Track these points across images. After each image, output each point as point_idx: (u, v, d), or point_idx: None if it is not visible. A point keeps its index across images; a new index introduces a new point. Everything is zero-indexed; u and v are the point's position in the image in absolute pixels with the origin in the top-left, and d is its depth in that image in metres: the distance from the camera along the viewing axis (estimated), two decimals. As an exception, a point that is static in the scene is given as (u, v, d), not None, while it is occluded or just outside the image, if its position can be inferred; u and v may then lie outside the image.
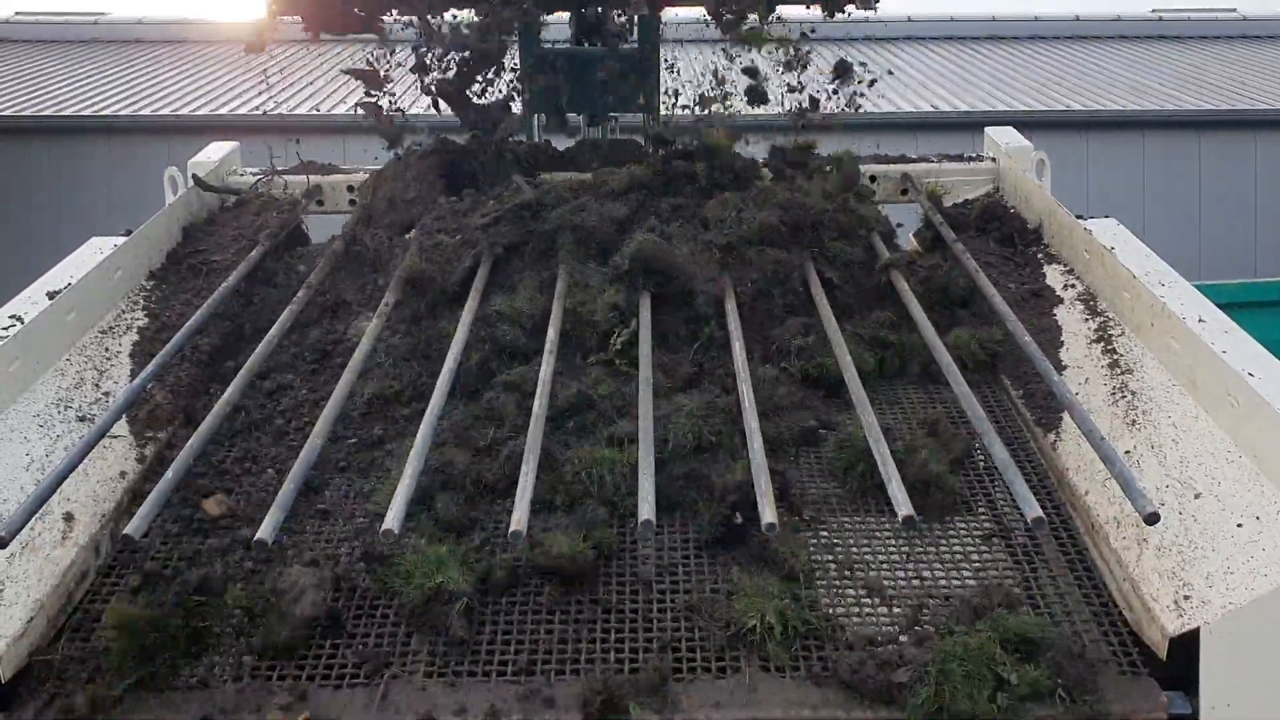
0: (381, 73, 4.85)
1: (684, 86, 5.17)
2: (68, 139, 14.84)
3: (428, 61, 4.86)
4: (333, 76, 16.17)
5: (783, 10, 4.84)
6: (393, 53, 4.94)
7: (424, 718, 2.50)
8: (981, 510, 3.20)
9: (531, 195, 4.23)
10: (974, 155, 5.30)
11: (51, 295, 3.65)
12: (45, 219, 14.38)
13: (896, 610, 2.79)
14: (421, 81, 4.90)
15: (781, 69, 4.66)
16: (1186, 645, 2.52)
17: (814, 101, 4.79)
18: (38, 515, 2.79)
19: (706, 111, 4.13)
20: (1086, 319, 3.80)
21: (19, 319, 3.45)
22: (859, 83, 4.51)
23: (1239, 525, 2.68)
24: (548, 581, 2.86)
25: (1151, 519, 2.60)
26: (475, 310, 3.85)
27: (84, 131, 14.85)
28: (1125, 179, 14.99)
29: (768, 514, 2.65)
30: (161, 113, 15.23)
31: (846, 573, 2.93)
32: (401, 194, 4.60)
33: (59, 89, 16.44)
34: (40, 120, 14.97)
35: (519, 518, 2.65)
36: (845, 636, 2.69)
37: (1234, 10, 21.22)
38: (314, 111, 14.91)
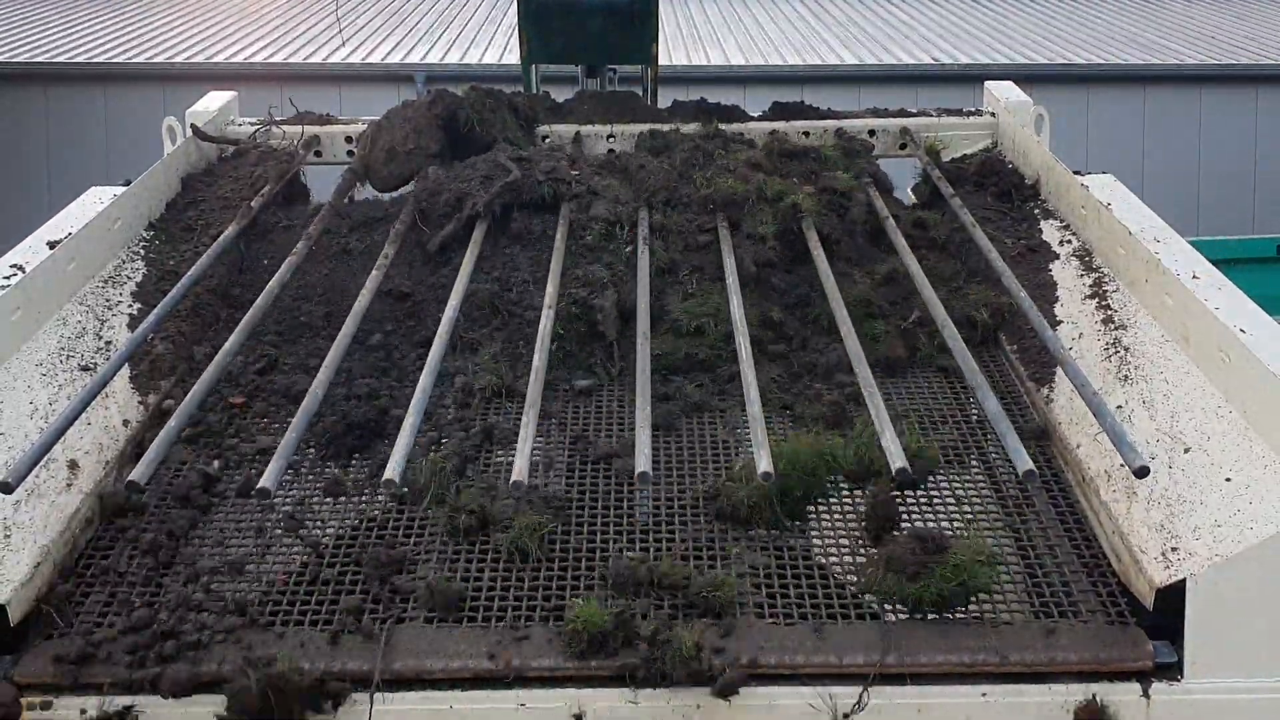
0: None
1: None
2: (63, 86, 14.73)
3: None
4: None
5: None
6: None
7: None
8: (973, 463, 3.24)
9: (518, 175, 4.23)
10: (973, 110, 5.30)
11: (52, 245, 3.66)
12: (39, 167, 14.33)
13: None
14: None
15: None
16: (1173, 596, 2.57)
17: None
18: (42, 463, 2.81)
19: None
20: (1082, 274, 3.83)
21: (20, 268, 3.46)
22: None
23: (1227, 479, 2.72)
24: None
25: (1141, 472, 2.64)
26: (474, 262, 3.87)
27: (79, 79, 14.75)
28: (1125, 134, 14.96)
29: (764, 464, 2.68)
30: (156, 60, 15.12)
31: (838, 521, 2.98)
32: (401, 145, 4.59)
33: (53, 35, 16.29)
34: (34, 66, 14.86)
35: (520, 467, 2.69)
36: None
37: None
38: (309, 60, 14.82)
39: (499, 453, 3.22)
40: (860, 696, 2.50)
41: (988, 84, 5.34)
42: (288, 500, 3.09)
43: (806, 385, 3.54)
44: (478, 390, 3.48)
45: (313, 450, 3.27)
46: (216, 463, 3.22)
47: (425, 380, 3.12)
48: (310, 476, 3.21)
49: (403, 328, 3.83)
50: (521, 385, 3.35)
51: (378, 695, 2.51)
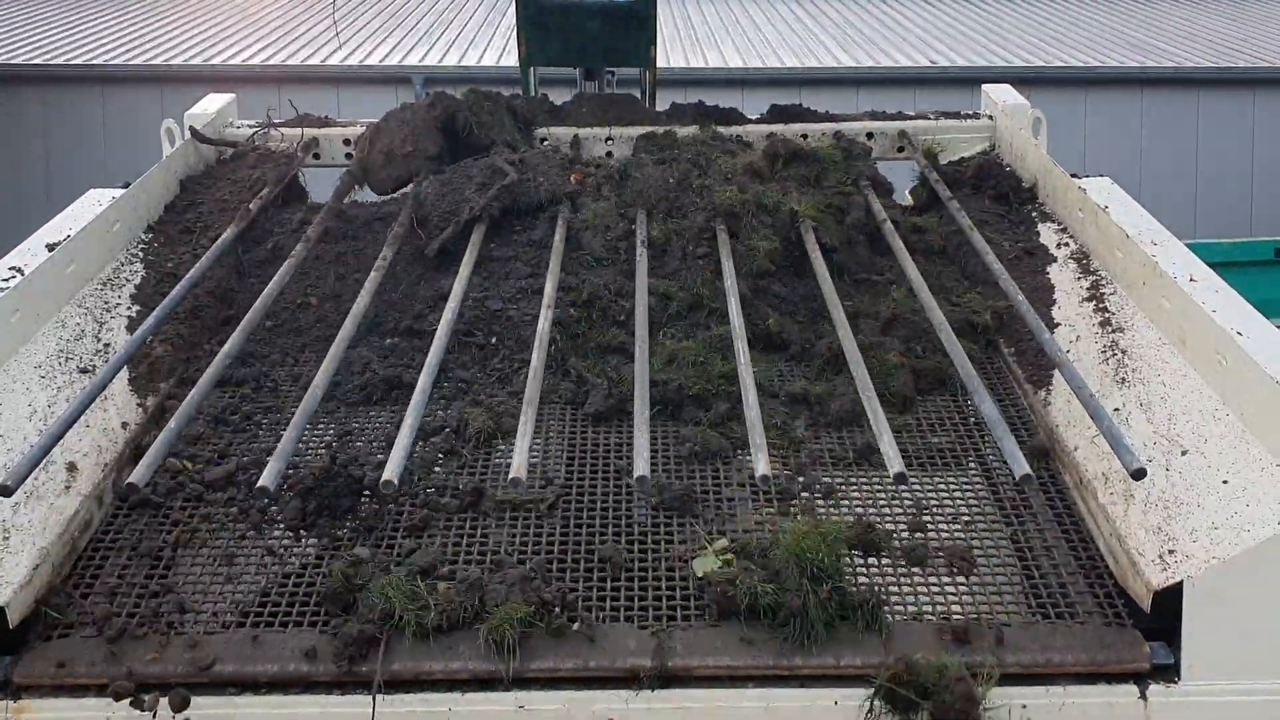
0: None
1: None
2: (61, 87, 14.71)
3: None
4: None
5: None
6: None
7: None
8: (971, 466, 3.25)
9: (515, 177, 4.23)
10: (971, 113, 5.31)
11: (51, 247, 3.66)
12: (38, 169, 14.31)
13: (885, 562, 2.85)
14: None
15: None
16: (1170, 598, 2.58)
17: None
18: (41, 465, 2.82)
19: None
20: (1079, 277, 3.83)
21: (19, 270, 3.46)
22: None
23: (1224, 482, 2.73)
24: None
25: (1138, 475, 2.65)
26: (473, 264, 3.88)
27: (78, 80, 14.73)
28: (1123, 136, 14.97)
29: (762, 466, 2.69)
30: (154, 61, 15.11)
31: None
32: (399, 147, 4.60)
33: (52, 36, 16.28)
34: (33, 68, 14.84)
35: (518, 464, 2.69)
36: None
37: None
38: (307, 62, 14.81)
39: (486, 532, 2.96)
40: (872, 701, 2.50)
41: (985, 87, 5.35)
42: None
43: (822, 434, 3.34)
44: (471, 435, 3.28)
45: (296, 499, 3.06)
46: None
47: (424, 380, 3.12)
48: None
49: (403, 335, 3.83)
50: (512, 423, 3.13)
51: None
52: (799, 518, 2.91)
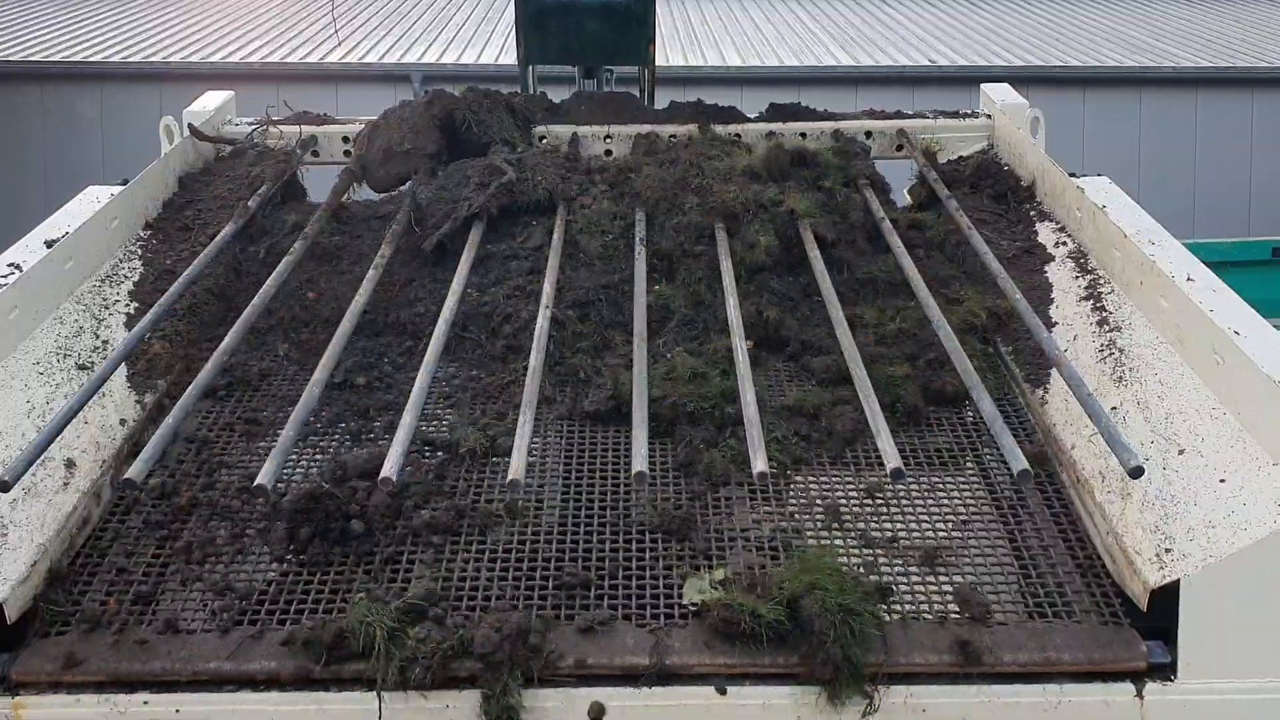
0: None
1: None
2: (60, 85, 14.71)
3: None
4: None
5: None
6: None
7: None
8: (969, 464, 3.25)
9: (513, 176, 4.23)
10: (969, 112, 5.31)
11: (49, 244, 3.66)
12: (36, 166, 14.31)
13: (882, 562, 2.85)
14: None
15: None
16: (1167, 597, 2.58)
17: None
18: (39, 462, 2.82)
19: None
20: (1077, 276, 3.84)
21: (17, 267, 3.46)
22: None
23: (1221, 481, 2.73)
24: None
25: (1135, 473, 2.66)
26: (471, 262, 3.89)
27: (76, 78, 14.73)
28: (1121, 136, 14.97)
29: (759, 464, 2.69)
30: (153, 59, 15.10)
31: (833, 523, 2.98)
32: (398, 145, 4.60)
33: (50, 34, 16.27)
34: (32, 65, 14.84)
35: (516, 465, 2.69)
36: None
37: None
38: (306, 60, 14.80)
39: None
40: (872, 696, 2.51)
41: (984, 86, 5.36)
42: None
43: (827, 452, 3.27)
44: (465, 454, 3.20)
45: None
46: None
47: (422, 380, 3.12)
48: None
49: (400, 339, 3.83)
50: (507, 442, 3.12)
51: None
52: (808, 551, 2.86)
